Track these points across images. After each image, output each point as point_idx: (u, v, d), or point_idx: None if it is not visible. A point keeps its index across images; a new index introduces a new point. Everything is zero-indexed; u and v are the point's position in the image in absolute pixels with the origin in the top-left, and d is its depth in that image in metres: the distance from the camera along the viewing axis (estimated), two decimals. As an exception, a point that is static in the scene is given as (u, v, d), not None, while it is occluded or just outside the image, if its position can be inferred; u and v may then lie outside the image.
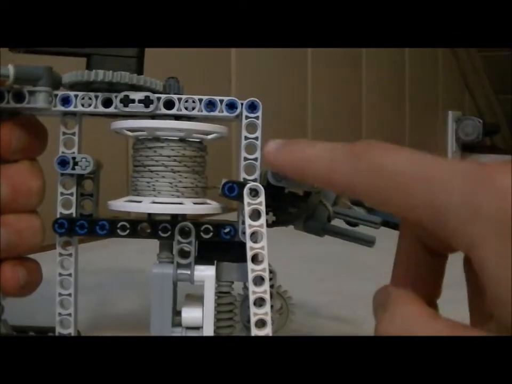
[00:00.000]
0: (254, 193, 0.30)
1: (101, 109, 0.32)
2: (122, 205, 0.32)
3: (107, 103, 0.32)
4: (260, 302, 0.30)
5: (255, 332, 0.30)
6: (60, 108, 0.32)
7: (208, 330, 0.31)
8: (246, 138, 0.31)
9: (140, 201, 0.31)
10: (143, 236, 0.31)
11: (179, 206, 0.31)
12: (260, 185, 0.30)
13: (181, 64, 0.84)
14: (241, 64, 1.13)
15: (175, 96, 0.32)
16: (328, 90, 1.43)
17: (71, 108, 0.32)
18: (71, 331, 0.33)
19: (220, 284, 0.32)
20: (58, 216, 0.32)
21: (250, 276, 0.30)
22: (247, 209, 0.30)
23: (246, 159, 0.31)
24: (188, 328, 0.31)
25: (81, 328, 0.35)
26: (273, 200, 0.31)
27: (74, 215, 0.32)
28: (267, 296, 0.30)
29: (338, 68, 1.48)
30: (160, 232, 0.31)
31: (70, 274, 0.33)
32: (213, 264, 0.31)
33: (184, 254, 0.31)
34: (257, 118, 0.32)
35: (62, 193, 0.32)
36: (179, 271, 0.31)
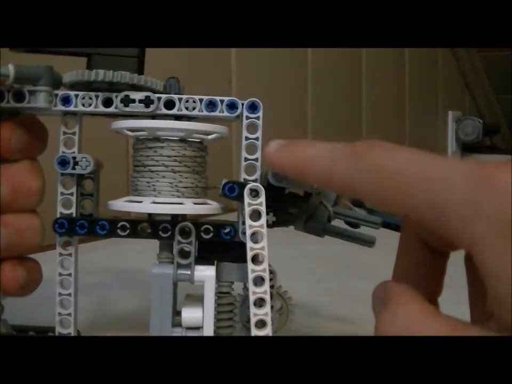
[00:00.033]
0: (255, 193, 0.30)
1: (102, 108, 0.32)
2: (123, 205, 0.32)
3: (107, 103, 0.32)
4: (260, 303, 0.30)
5: (255, 332, 0.30)
6: (60, 107, 0.32)
7: (208, 331, 0.31)
8: (247, 138, 0.31)
9: (140, 201, 0.31)
10: (143, 236, 0.31)
11: (179, 206, 0.31)
12: (260, 186, 0.30)
13: (181, 64, 0.84)
14: (241, 64, 1.13)
15: (175, 96, 0.32)
16: (328, 90, 1.43)
17: (72, 108, 0.32)
18: (71, 331, 0.33)
19: (220, 284, 0.32)
20: (58, 216, 0.32)
21: (251, 276, 0.30)
22: (247, 210, 0.30)
23: (246, 159, 0.31)
24: (188, 328, 0.31)
25: (81, 328, 0.35)
26: (273, 201, 0.31)
27: (74, 215, 0.32)
28: (267, 297, 0.30)
29: (338, 68, 1.48)
30: (160, 232, 0.31)
31: (70, 274, 0.33)
32: (213, 264, 0.31)
33: (184, 254, 0.31)
34: (257, 118, 0.32)
35: (62, 193, 0.32)
36: (179, 271, 0.31)
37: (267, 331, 0.30)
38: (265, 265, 0.30)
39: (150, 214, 0.32)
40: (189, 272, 0.31)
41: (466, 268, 0.23)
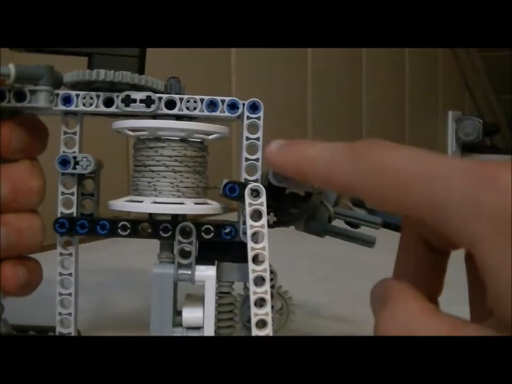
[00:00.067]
0: (255, 193, 0.30)
1: (102, 108, 0.32)
2: (123, 204, 0.32)
3: (108, 102, 0.32)
4: (260, 303, 0.30)
5: (255, 332, 0.30)
6: (61, 107, 0.32)
7: (209, 330, 0.31)
8: (248, 138, 0.31)
9: (141, 201, 0.31)
10: (144, 236, 0.31)
11: (180, 206, 0.31)
12: (261, 186, 0.30)
13: (181, 64, 0.84)
14: (241, 64, 1.13)
15: (176, 96, 0.32)
16: (328, 90, 1.43)
17: (72, 107, 0.32)
18: (71, 331, 0.33)
19: (220, 284, 0.32)
20: (59, 215, 0.32)
21: (251, 276, 0.30)
22: (248, 210, 0.30)
23: (247, 159, 0.31)
24: (189, 328, 0.31)
25: (81, 327, 0.35)
26: (274, 201, 0.31)
27: (75, 214, 0.32)
28: (268, 297, 0.30)
29: (338, 68, 1.48)
30: (161, 232, 0.31)
31: (70, 274, 0.33)
32: (213, 264, 0.31)
33: (184, 254, 0.31)
34: (258, 118, 0.32)
35: (62, 193, 0.32)
36: (180, 271, 0.31)
37: (268, 331, 0.30)
38: (265, 265, 0.30)
39: (150, 214, 0.32)
40: (189, 272, 0.31)
41: (466, 266, 0.24)
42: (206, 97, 0.32)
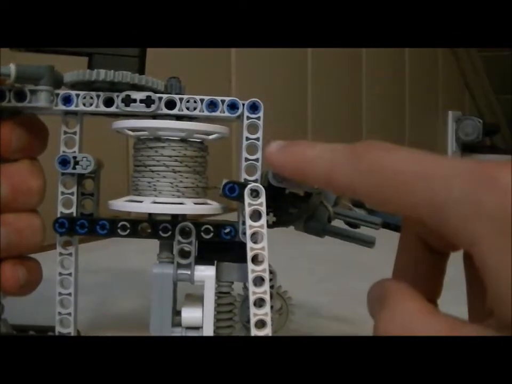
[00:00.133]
0: (255, 193, 0.30)
1: (103, 108, 0.32)
2: (123, 204, 0.32)
3: (108, 102, 0.32)
4: (259, 303, 0.30)
5: (255, 332, 0.30)
6: (61, 107, 0.32)
7: (208, 330, 0.31)
8: (247, 139, 0.31)
9: (141, 201, 0.31)
10: (144, 236, 0.31)
11: (180, 206, 0.31)
12: (261, 186, 0.30)
13: (181, 64, 0.84)
14: (241, 64, 1.13)
15: (176, 96, 0.32)
16: (328, 90, 1.43)
17: (73, 107, 0.32)
18: (70, 330, 0.33)
19: (219, 284, 0.32)
20: (58, 215, 0.32)
21: (251, 276, 0.30)
22: (247, 210, 0.30)
23: (247, 159, 0.31)
24: (188, 328, 0.31)
25: (81, 327, 0.35)
26: (273, 201, 0.31)
27: (74, 214, 0.32)
28: (267, 297, 0.30)
29: (338, 68, 1.49)
30: (160, 232, 0.31)
31: (70, 274, 0.33)
32: (213, 264, 0.31)
33: (184, 254, 0.31)
34: (258, 118, 0.32)
35: (62, 193, 0.32)
36: (179, 271, 0.31)
37: (267, 331, 0.30)
38: (265, 266, 0.30)
39: (150, 214, 0.32)
40: (189, 272, 0.31)
41: (464, 266, 0.24)
42: (206, 97, 0.32)
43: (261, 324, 0.30)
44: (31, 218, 0.33)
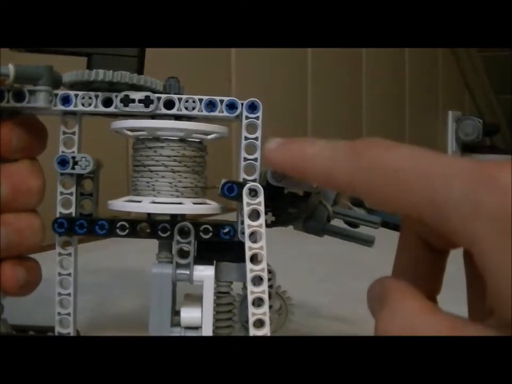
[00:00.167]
0: (253, 193, 0.30)
1: (101, 108, 0.32)
2: (122, 204, 0.32)
3: (107, 102, 0.32)
4: (258, 302, 0.30)
5: (253, 331, 0.30)
6: (60, 107, 0.32)
7: (207, 330, 0.31)
8: (246, 138, 0.31)
9: (140, 201, 0.31)
10: (143, 236, 0.31)
11: (178, 206, 0.31)
12: (259, 186, 0.30)
13: (181, 64, 0.84)
14: (241, 64, 1.13)
15: (175, 96, 0.32)
16: (328, 90, 1.43)
17: (71, 107, 0.32)
18: (70, 331, 0.33)
19: (219, 284, 0.32)
20: (57, 215, 0.32)
21: (249, 275, 0.30)
22: (246, 209, 0.30)
23: (245, 159, 0.31)
24: (187, 328, 0.31)
25: (80, 327, 0.35)
26: (272, 201, 0.31)
27: (73, 214, 0.32)
28: (265, 296, 0.30)
29: (338, 68, 1.49)
30: (159, 232, 0.31)
31: (69, 274, 0.33)
32: (212, 264, 0.31)
33: (183, 254, 0.31)
34: (257, 118, 0.32)
35: (61, 193, 0.32)
36: (178, 271, 0.31)
37: (265, 331, 0.30)
38: (263, 265, 0.30)
39: (149, 214, 0.32)
40: (188, 272, 0.31)
41: (465, 264, 0.23)
42: (205, 97, 0.32)
43: (259, 323, 0.30)
44: (30, 218, 0.33)
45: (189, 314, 0.31)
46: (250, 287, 0.30)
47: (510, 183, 0.18)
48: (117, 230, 0.31)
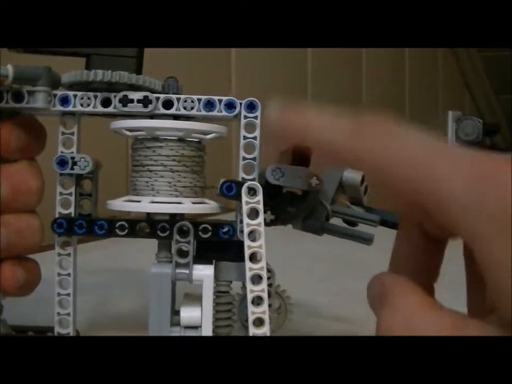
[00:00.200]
0: (252, 192, 0.30)
1: (100, 108, 0.32)
2: (121, 204, 0.32)
3: (106, 102, 0.32)
4: (257, 301, 0.30)
5: (253, 330, 0.30)
6: (59, 107, 0.32)
7: (207, 330, 0.31)
8: (245, 138, 0.32)
9: (139, 201, 0.31)
10: (142, 236, 0.31)
11: (178, 206, 0.31)
12: (258, 184, 0.30)
13: (181, 64, 0.84)
14: (241, 64, 1.13)
15: (173, 96, 0.32)
16: (328, 90, 1.43)
17: (70, 108, 0.32)
18: (69, 331, 0.33)
19: (218, 283, 0.32)
20: (57, 216, 0.32)
21: (248, 274, 0.30)
22: (245, 208, 0.30)
23: (244, 158, 0.31)
24: (187, 327, 0.31)
25: (80, 328, 0.35)
26: (271, 199, 0.31)
27: (73, 214, 0.32)
28: (265, 295, 0.30)
29: (338, 68, 1.48)
30: (158, 232, 0.31)
31: (68, 274, 0.33)
32: (211, 263, 0.31)
33: (182, 253, 0.31)
34: (255, 117, 0.32)
35: (60, 193, 0.32)
36: (178, 271, 0.31)
37: (265, 329, 0.30)
38: (262, 264, 0.30)
39: (148, 214, 0.32)
40: (187, 272, 0.31)
41: (465, 260, 0.23)
42: (203, 97, 0.32)
43: (259, 322, 0.30)
44: (30, 218, 0.33)
45: (188, 314, 0.31)
46: (249, 285, 0.30)
47: (510, 180, 0.18)
48: (116, 230, 0.31)
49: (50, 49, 0.31)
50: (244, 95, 0.33)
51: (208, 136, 0.33)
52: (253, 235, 0.30)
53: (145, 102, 0.31)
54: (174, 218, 0.32)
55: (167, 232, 0.31)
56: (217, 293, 0.32)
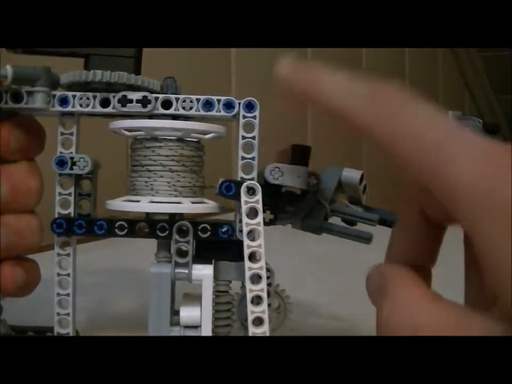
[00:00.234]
0: (251, 191, 0.30)
1: (99, 109, 0.32)
2: (121, 204, 0.32)
3: (105, 103, 0.32)
4: (257, 300, 0.30)
5: (252, 330, 0.30)
6: (58, 108, 0.32)
7: (206, 330, 0.31)
8: (244, 137, 0.32)
9: (138, 201, 0.31)
10: (141, 236, 0.31)
11: (177, 205, 0.31)
12: (257, 184, 0.30)
13: (180, 64, 0.84)
14: (241, 64, 1.13)
15: (172, 96, 0.32)
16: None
17: (69, 108, 0.32)
18: (69, 331, 0.33)
19: (217, 283, 0.32)
20: (56, 216, 0.32)
21: (248, 274, 0.30)
22: (244, 208, 0.30)
23: (243, 158, 0.31)
24: (186, 327, 0.31)
25: (79, 328, 0.35)
26: (270, 199, 0.31)
27: (72, 215, 0.33)
28: (264, 294, 0.30)
29: (338, 67, 1.48)
30: (158, 232, 0.31)
31: (68, 274, 0.33)
32: (210, 263, 0.31)
33: (182, 253, 0.31)
34: (254, 117, 0.32)
35: (60, 193, 0.33)
36: (177, 270, 0.31)
37: (264, 329, 0.30)
38: (262, 263, 0.30)
39: (147, 214, 0.32)
40: (186, 271, 0.31)
41: (465, 251, 0.23)
42: (202, 97, 0.32)
43: (258, 321, 0.30)
44: (30, 219, 0.33)
45: (188, 314, 0.31)
46: (249, 285, 0.30)
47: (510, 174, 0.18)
48: (116, 230, 0.31)
49: (49, 49, 0.31)
50: (244, 95, 0.33)
51: (207, 136, 0.33)
52: (252, 234, 0.30)
53: (144, 102, 0.31)
54: (173, 218, 0.32)
55: (167, 232, 0.31)
56: (217, 293, 0.32)
